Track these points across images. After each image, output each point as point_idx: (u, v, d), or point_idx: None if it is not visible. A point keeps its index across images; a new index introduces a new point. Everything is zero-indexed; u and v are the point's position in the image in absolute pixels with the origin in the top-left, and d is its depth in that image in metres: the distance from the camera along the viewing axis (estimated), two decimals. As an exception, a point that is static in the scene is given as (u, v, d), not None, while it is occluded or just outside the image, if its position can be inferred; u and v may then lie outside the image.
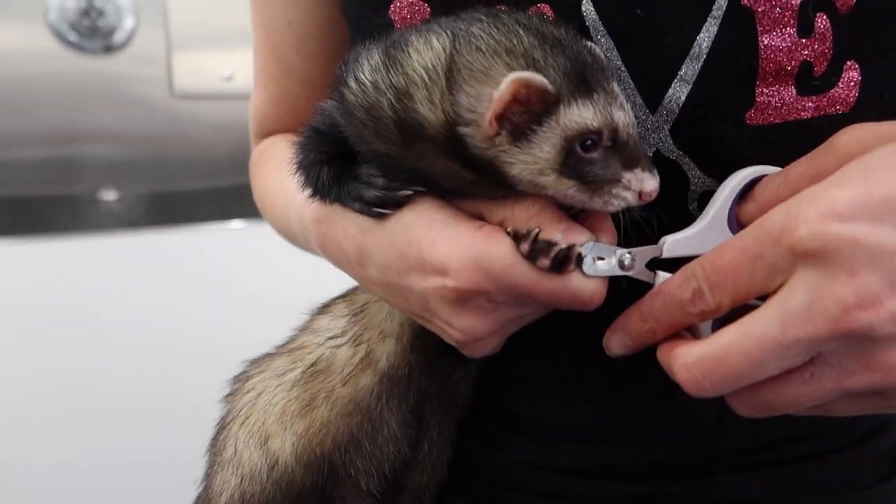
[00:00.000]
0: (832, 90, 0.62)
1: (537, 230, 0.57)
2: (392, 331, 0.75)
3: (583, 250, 0.57)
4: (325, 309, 0.82)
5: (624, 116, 0.58)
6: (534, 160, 0.57)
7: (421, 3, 0.68)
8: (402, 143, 0.60)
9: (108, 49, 2.22)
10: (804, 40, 0.61)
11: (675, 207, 0.66)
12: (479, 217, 0.61)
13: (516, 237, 0.58)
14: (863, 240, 0.44)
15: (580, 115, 0.56)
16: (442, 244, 0.59)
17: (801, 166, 0.56)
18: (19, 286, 2.11)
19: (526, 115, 0.56)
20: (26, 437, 2.07)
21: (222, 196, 2.37)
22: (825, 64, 0.62)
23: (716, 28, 0.61)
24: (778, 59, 0.61)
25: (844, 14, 0.61)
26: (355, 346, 0.76)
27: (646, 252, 0.59)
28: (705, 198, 0.66)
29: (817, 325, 0.46)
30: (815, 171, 0.54)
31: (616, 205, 0.58)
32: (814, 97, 0.62)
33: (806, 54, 0.61)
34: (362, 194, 0.64)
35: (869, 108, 0.63)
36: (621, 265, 0.58)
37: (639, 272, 0.59)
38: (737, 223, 0.60)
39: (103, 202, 2.30)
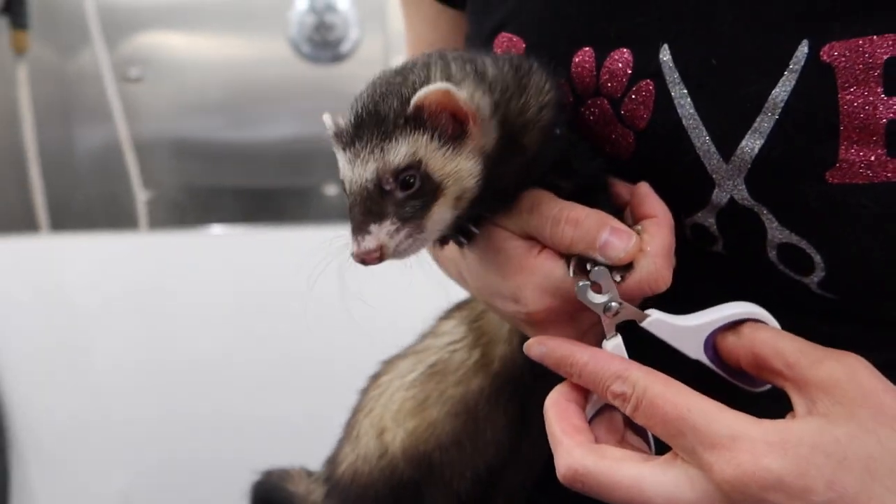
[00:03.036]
0: None
1: (577, 256, 0.63)
2: (503, 336, 0.82)
3: (591, 274, 0.61)
4: (449, 314, 0.91)
5: (351, 173, 0.62)
6: None
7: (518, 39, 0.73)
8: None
9: (336, 58, 2.47)
10: (892, 99, 0.56)
11: (752, 254, 0.66)
12: (534, 240, 0.66)
13: (566, 257, 0.64)
14: None
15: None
16: (512, 275, 0.67)
17: (786, 353, 0.57)
18: (258, 268, 2.42)
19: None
20: (258, 400, 2.36)
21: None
22: None
23: (793, 82, 0.59)
24: (862, 118, 0.58)
25: None
26: (471, 350, 0.84)
27: (631, 312, 0.61)
28: (784, 249, 0.64)
29: None
30: (792, 375, 0.56)
31: None
32: None
33: (894, 114, 0.57)
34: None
35: None
36: (606, 309, 0.61)
37: (608, 325, 0.62)
38: (713, 343, 0.61)
39: (326, 196, 2.56)
